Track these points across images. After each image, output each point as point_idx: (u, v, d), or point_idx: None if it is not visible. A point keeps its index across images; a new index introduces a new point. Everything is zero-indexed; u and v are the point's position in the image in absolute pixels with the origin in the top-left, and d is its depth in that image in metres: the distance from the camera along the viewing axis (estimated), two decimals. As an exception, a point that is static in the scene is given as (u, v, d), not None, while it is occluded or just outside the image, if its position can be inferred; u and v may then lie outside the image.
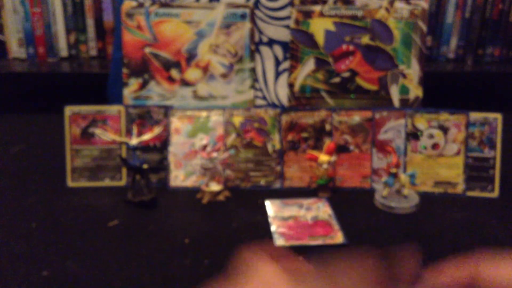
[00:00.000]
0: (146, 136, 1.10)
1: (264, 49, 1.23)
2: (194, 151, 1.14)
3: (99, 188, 1.13)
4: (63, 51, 1.57)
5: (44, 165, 1.22)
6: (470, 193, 1.13)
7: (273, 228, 0.99)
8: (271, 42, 1.23)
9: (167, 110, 1.15)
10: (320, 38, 1.21)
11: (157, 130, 1.12)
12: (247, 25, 1.21)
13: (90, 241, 0.94)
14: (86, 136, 1.14)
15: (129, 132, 1.13)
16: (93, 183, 1.14)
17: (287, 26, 1.21)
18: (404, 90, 1.22)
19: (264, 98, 1.24)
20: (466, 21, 1.56)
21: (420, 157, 1.14)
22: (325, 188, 1.12)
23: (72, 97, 1.20)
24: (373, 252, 0.45)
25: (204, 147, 1.09)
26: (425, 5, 1.20)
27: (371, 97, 1.23)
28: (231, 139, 1.15)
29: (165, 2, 1.20)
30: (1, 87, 1.77)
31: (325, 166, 1.09)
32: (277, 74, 1.24)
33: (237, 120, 1.16)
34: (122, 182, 1.14)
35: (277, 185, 1.15)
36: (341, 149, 1.15)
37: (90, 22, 1.55)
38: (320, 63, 1.22)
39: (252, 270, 0.46)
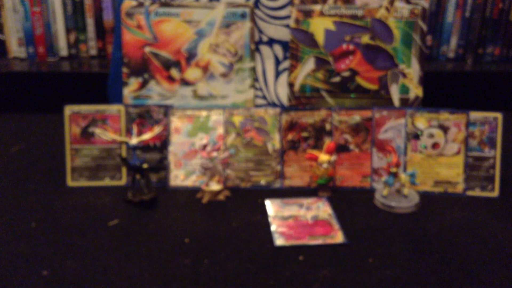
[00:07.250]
0: (146, 136, 1.10)
1: (264, 49, 1.23)
2: (194, 151, 1.14)
3: (99, 188, 1.13)
4: (63, 51, 1.57)
5: (44, 165, 1.22)
6: (470, 193, 1.13)
7: (273, 227, 0.99)
8: (271, 42, 1.23)
9: (167, 110, 1.15)
10: (320, 38, 1.21)
11: (157, 129, 1.12)
12: (247, 24, 1.21)
13: (90, 241, 0.94)
14: (86, 135, 1.14)
15: (129, 132, 1.13)
16: (93, 182, 1.14)
17: (287, 26, 1.21)
18: (404, 90, 1.22)
19: (264, 97, 1.24)
20: (466, 21, 1.56)
21: (420, 157, 1.14)
22: (325, 187, 1.12)
23: (72, 97, 1.20)
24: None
25: (204, 147, 1.09)
26: (425, 4, 1.20)
27: (371, 97, 1.23)
28: (231, 138, 1.15)
29: (165, 1, 1.20)
30: (1, 87, 1.77)
31: (325, 165, 1.09)
32: (277, 74, 1.24)
33: (237, 119, 1.16)
34: (122, 181, 1.14)
35: (277, 184, 1.15)
36: (341, 148, 1.15)
37: (90, 22, 1.55)
38: (320, 62, 1.22)
39: None
